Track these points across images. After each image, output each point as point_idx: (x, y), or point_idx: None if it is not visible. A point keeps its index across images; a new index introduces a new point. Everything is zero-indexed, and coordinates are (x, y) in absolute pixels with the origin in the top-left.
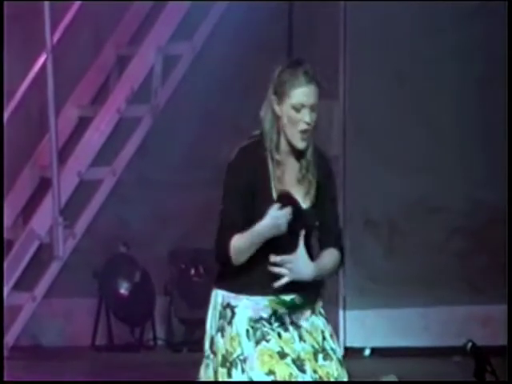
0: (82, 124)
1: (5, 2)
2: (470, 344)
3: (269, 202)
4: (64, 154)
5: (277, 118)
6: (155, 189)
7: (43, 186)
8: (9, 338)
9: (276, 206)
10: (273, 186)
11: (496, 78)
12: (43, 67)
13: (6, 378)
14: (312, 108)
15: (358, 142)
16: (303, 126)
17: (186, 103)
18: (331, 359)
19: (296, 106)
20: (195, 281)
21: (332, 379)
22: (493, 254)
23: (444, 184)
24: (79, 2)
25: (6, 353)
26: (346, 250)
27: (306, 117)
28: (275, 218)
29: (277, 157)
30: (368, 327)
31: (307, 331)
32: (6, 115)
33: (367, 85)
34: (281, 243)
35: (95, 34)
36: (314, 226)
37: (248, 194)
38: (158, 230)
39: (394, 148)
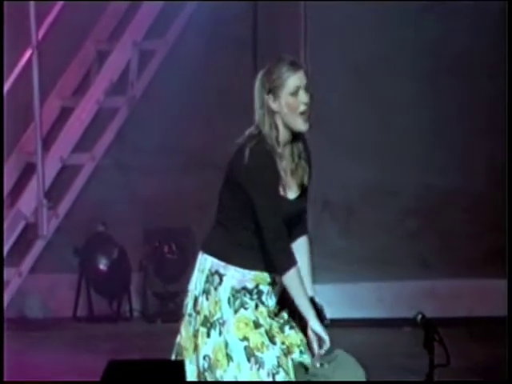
0: (65, 114)
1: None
2: (419, 316)
3: (278, 196)
4: (48, 141)
5: (272, 116)
6: (131, 173)
7: (29, 170)
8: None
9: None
10: (281, 179)
11: (446, 71)
12: (29, 62)
13: None
14: (306, 89)
15: (318, 131)
16: (303, 108)
17: (160, 95)
18: (296, 330)
19: (293, 91)
20: (168, 258)
21: (296, 348)
22: (441, 233)
23: (397, 169)
24: (62, 2)
25: None
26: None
27: (303, 97)
28: (321, 332)
29: (279, 150)
30: (327, 300)
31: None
32: None
33: (326, 78)
34: None
35: (77, 31)
36: (302, 212)
37: (276, 190)
38: (133, 211)
39: (351, 136)
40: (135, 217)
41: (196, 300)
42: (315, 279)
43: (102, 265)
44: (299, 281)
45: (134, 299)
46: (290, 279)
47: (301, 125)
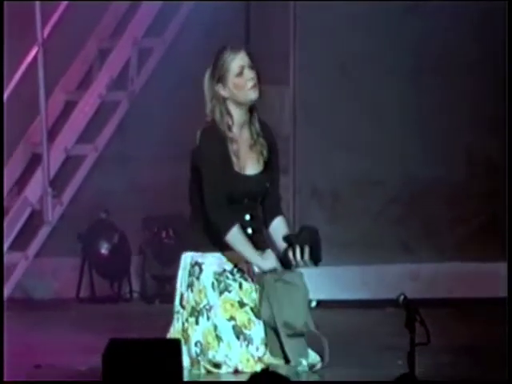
0: (69, 107)
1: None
2: (401, 297)
3: (229, 175)
4: (53, 133)
5: (224, 103)
6: (132, 163)
7: (35, 160)
8: (4, 292)
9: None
10: (232, 160)
11: (427, 68)
12: (35, 58)
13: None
14: (250, 66)
15: (306, 123)
16: (250, 83)
17: (158, 89)
18: None
19: (238, 72)
20: (166, 242)
21: None
22: (422, 220)
23: (382, 160)
24: (66, 2)
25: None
26: (296, 218)
27: (248, 74)
28: (266, 264)
29: (230, 135)
30: (315, 282)
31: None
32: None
33: (314, 74)
34: (242, 207)
35: (80, 30)
36: (266, 188)
37: (222, 169)
38: (134, 198)
39: (338, 128)
40: (135, 204)
41: (182, 296)
42: None
43: (104, 249)
44: (241, 237)
45: (133, 281)
46: (232, 238)
47: (251, 95)
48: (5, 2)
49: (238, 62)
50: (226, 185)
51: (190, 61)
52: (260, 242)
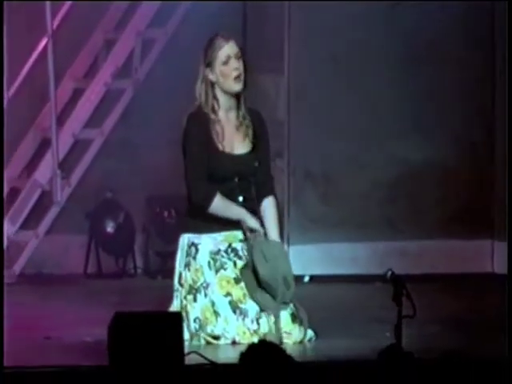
0: (77, 94)
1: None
2: (389, 272)
3: (215, 154)
4: (61, 118)
5: (211, 87)
6: (136, 147)
7: (44, 144)
8: (16, 267)
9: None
10: (216, 140)
11: (417, 57)
12: (45, 48)
13: (8, 302)
14: (237, 56)
15: (299, 110)
16: (235, 73)
17: (160, 78)
18: None
19: (225, 61)
20: (167, 221)
21: None
22: (408, 200)
23: (370, 144)
24: None
25: (14, 279)
26: (291, 198)
27: (233, 64)
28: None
29: (212, 117)
30: (307, 259)
31: None
32: (14, 88)
33: (308, 64)
34: (234, 186)
35: (87, 22)
36: (255, 167)
37: (204, 148)
38: (137, 180)
39: (330, 114)
40: (139, 185)
41: (180, 275)
42: (297, 240)
43: (110, 227)
44: (224, 203)
45: (137, 258)
46: (216, 208)
47: (234, 86)
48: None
49: (225, 50)
50: (211, 163)
51: (191, 50)
52: None
